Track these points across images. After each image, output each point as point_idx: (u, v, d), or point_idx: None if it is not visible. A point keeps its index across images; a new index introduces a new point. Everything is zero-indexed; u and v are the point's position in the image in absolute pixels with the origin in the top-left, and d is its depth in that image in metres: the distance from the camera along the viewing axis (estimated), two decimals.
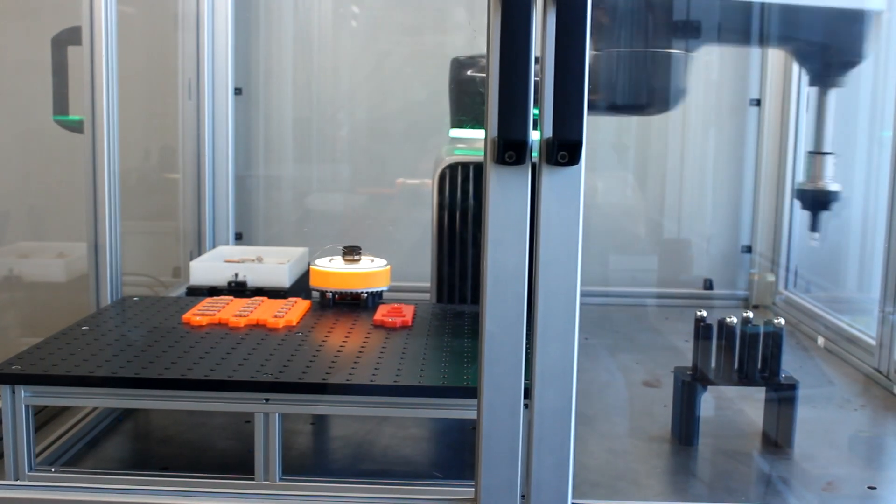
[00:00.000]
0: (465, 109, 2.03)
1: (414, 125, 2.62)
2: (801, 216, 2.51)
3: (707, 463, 1.52)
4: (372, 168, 2.68)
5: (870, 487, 1.42)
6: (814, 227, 1.76)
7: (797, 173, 2.51)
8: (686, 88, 1.69)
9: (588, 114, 1.02)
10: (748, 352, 1.54)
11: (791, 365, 1.92)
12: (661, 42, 1.47)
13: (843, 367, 2.03)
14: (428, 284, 1.92)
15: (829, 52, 1.67)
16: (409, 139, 2.64)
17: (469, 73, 1.99)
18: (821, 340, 2.20)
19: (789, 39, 1.73)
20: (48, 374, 1.33)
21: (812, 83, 1.77)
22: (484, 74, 1.08)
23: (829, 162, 1.74)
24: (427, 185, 1.91)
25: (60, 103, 1.93)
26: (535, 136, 1.07)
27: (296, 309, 1.69)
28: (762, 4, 1.66)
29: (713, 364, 1.56)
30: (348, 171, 2.69)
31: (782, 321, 1.54)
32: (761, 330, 1.54)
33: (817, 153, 1.75)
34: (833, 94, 1.73)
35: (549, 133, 1.05)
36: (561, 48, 1.03)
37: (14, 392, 1.30)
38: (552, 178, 1.07)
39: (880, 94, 2.27)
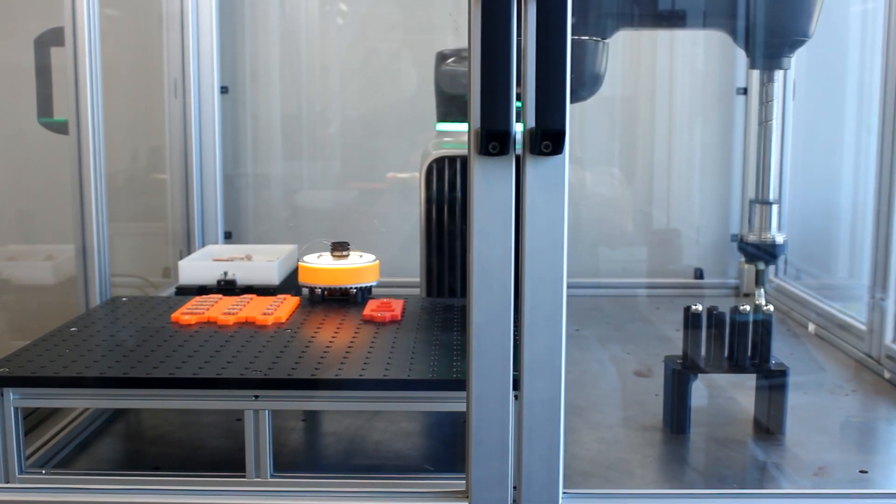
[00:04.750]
0: (451, 102, 2.03)
1: (403, 120, 2.62)
2: (791, 204, 2.52)
3: (699, 451, 1.52)
4: (362, 163, 2.67)
5: (861, 472, 1.42)
6: (760, 281, 1.65)
7: (785, 163, 2.51)
8: (602, 75, 1.61)
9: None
10: (738, 339, 1.54)
11: (782, 352, 1.93)
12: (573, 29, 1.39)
13: (834, 353, 2.04)
14: (418, 279, 1.91)
15: (772, 31, 1.56)
16: (398, 134, 2.64)
17: (453, 65, 1.98)
18: (811, 327, 2.20)
19: (724, 18, 1.59)
20: (37, 376, 1.33)
21: (753, 66, 1.61)
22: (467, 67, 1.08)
23: (775, 210, 1.62)
24: (417, 179, 1.91)
25: (45, 105, 1.91)
26: (518, 127, 1.07)
27: (285, 306, 1.69)
28: None
29: (703, 352, 1.56)
30: (338, 167, 2.68)
31: (771, 308, 1.54)
32: (750, 318, 1.54)
33: (761, 202, 1.62)
34: (778, 86, 1.60)
35: (531, 123, 1.05)
36: (542, 38, 1.03)
37: (2, 394, 1.29)
38: (536, 168, 1.07)
39: (867, 81, 2.27)
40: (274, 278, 1.91)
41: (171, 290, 2.00)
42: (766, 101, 1.57)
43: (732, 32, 1.58)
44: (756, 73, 2.51)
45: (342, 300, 1.77)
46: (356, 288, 1.77)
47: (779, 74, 1.58)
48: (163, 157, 2.49)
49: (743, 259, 2.57)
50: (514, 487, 1.14)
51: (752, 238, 1.60)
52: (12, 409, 1.29)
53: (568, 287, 1.10)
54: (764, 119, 1.58)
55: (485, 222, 1.08)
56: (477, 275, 1.09)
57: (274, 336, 1.53)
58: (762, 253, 1.60)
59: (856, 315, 2.06)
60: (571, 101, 1.04)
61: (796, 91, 2.47)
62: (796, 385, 1.70)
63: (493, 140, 1.05)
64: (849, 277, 2.41)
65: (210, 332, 1.56)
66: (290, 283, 1.96)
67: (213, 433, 1.55)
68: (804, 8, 1.52)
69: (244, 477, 1.30)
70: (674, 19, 1.60)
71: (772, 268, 2.56)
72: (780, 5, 1.53)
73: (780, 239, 1.59)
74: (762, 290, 1.61)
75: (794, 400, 1.61)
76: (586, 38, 1.54)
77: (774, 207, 1.60)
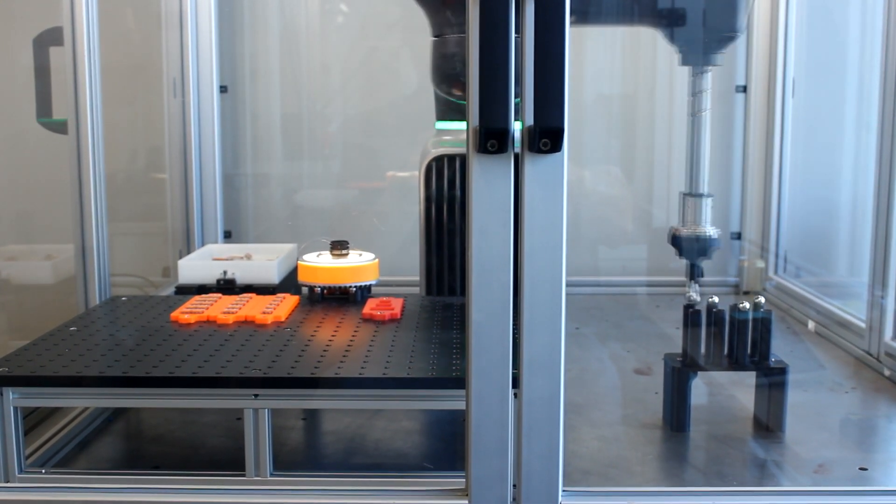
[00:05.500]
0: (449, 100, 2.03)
1: (403, 119, 2.62)
2: (791, 201, 2.52)
3: (699, 449, 1.52)
4: (361, 162, 2.67)
5: (861, 469, 1.42)
6: (694, 275, 1.63)
7: (785, 160, 2.51)
8: None
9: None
10: (738, 337, 1.54)
11: (782, 349, 1.93)
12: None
13: (833, 351, 2.04)
14: (417, 278, 1.92)
15: (701, 28, 1.56)
16: (398, 132, 2.64)
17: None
18: (811, 325, 2.20)
19: (654, 15, 1.58)
20: (36, 376, 1.33)
21: (683, 62, 1.59)
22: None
23: (707, 203, 1.60)
24: (417, 178, 1.91)
25: (44, 105, 1.91)
26: (517, 125, 1.07)
27: (284, 305, 1.69)
28: None
29: (703, 350, 1.56)
30: (338, 166, 2.68)
31: (762, 299, 1.54)
32: (749, 315, 1.54)
33: (693, 195, 1.60)
34: (709, 76, 1.58)
35: (530, 121, 1.05)
36: (540, 35, 1.03)
37: (2, 394, 1.29)
38: (535, 166, 1.07)
39: (867, 79, 2.27)
40: (273, 277, 1.92)
41: (171, 290, 2.00)
42: (696, 91, 1.57)
43: (663, 30, 1.57)
44: (756, 71, 2.53)
45: (342, 299, 1.77)
46: (356, 287, 1.77)
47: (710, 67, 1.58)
48: (162, 156, 2.49)
49: (744, 256, 2.58)
50: (514, 485, 1.15)
51: (684, 232, 1.60)
52: (12, 408, 1.29)
53: (567, 285, 1.10)
54: (695, 111, 1.57)
55: (484, 220, 1.08)
56: (476, 273, 1.09)
57: (273, 335, 1.53)
58: (694, 247, 1.60)
59: (855, 312, 2.06)
60: None
61: (796, 89, 2.47)
62: (796, 382, 1.70)
63: (491, 138, 1.06)
64: (848, 275, 2.41)
65: (209, 331, 1.56)
66: (289, 282, 1.96)
67: (213, 432, 1.55)
68: (732, 5, 1.52)
69: (244, 476, 1.30)
70: (605, 16, 1.60)
71: (772, 265, 2.56)
72: (709, 3, 1.53)
73: (712, 233, 1.59)
74: (696, 285, 1.60)
75: (794, 397, 1.61)
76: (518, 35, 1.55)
77: (707, 201, 1.59)
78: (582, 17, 1.62)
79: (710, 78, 1.56)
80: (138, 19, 2.49)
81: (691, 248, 1.59)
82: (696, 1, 1.53)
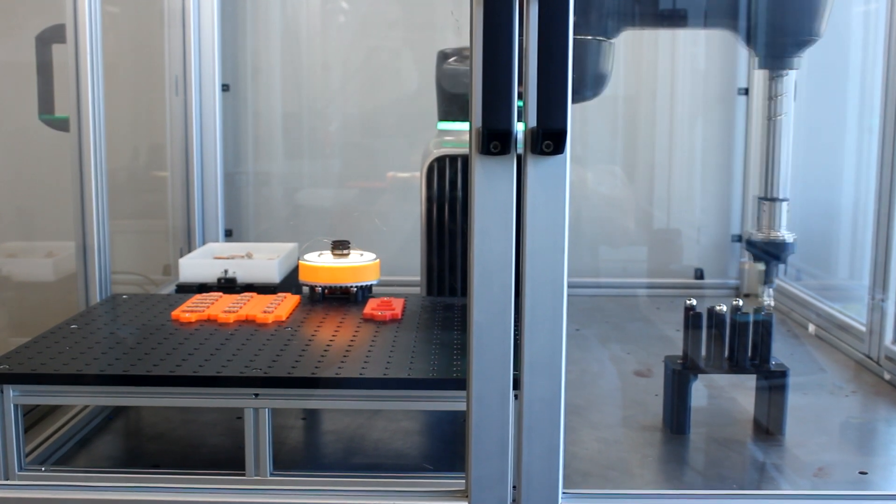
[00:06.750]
0: (452, 101, 2.03)
1: (404, 119, 2.62)
2: (791, 204, 2.51)
3: (699, 451, 1.52)
4: (363, 162, 2.67)
5: (861, 473, 1.42)
6: (768, 279, 1.62)
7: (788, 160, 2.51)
8: (607, 76, 1.59)
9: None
10: (738, 339, 1.54)
11: (782, 352, 1.93)
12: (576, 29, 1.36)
13: (833, 354, 2.04)
14: (418, 278, 1.92)
15: (779, 30, 1.54)
16: (399, 132, 2.64)
17: (454, 64, 1.98)
18: (811, 328, 2.20)
19: (730, 17, 1.57)
20: (36, 373, 1.33)
21: (761, 66, 1.57)
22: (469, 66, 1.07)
23: (784, 208, 1.58)
24: (418, 178, 1.91)
25: (46, 102, 1.91)
26: (520, 127, 1.07)
27: (285, 304, 1.69)
28: None
29: (703, 352, 1.56)
30: (339, 165, 2.68)
31: (772, 303, 1.54)
32: (751, 318, 1.54)
33: (769, 199, 1.58)
34: (785, 80, 1.56)
35: (533, 122, 1.05)
36: (544, 36, 1.03)
37: (2, 391, 1.29)
38: (537, 168, 1.07)
39: (869, 82, 2.27)
40: (274, 276, 1.91)
41: (172, 288, 2.00)
42: (774, 95, 1.56)
43: (739, 32, 1.56)
44: (760, 72, 2.53)
45: (342, 299, 1.77)
46: (356, 286, 1.77)
47: (789, 70, 1.56)
48: (164, 154, 2.49)
49: (745, 259, 2.58)
50: (514, 487, 1.14)
51: (759, 237, 1.58)
52: (12, 406, 1.29)
53: (568, 286, 1.10)
54: (773, 114, 1.56)
55: (486, 222, 1.08)
56: (477, 274, 1.09)
57: (274, 334, 1.53)
58: (770, 252, 1.58)
59: (856, 316, 2.06)
60: (575, 101, 1.03)
61: (797, 91, 2.47)
62: (796, 386, 1.70)
63: (494, 139, 1.05)
64: (849, 278, 2.41)
65: (210, 329, 1.56)
66: (290, 282, 1.96)
67: (213, 431, 1.55)
68: (813, 6, 1.50)
69: (244, 475, 1.30)
70: (678, 19, 1.59)
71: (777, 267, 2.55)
72: (788, 4, 1.51)
73: (789, 238, 1.58)
74: (770, 290, 1.59)
75: (794, 401, 1.61)
76: (590, 37, 1.53)
77: (783, 205, 1.58)
78: (652, 20, 1.62)
79: (785, 81, 1.55)
80: (141, 17, 2.49)
81: (766, 253, 1.58)
82: (776, 4, 1.52)
